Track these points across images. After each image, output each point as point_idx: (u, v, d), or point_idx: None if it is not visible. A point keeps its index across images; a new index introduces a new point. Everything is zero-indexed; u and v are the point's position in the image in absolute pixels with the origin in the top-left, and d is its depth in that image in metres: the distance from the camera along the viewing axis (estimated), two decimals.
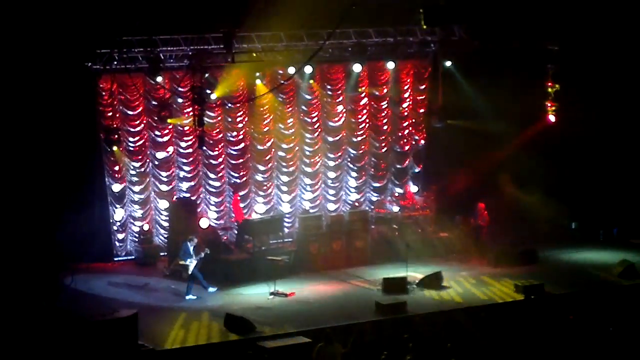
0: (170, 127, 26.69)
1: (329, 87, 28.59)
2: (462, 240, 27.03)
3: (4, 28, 22.33)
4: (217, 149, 27.56)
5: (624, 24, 26.66)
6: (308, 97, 28.50)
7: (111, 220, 26.63)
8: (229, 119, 27.67)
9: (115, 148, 25.48)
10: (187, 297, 22.74)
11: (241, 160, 27.98)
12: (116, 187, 26.64)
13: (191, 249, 22.89)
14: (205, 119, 25.25)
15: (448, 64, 28.17)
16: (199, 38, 24.82)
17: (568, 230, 28.87)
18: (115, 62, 24.49)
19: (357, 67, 27.72)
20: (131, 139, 26.57)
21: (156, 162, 27.11)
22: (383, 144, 29.72)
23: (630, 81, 27.30)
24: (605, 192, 27.85)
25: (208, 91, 25.33)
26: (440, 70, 28.70)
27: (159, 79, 25.22)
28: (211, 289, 23.07)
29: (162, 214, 27.21)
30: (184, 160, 27.35)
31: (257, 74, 26.61)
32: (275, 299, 22.50)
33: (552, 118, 28.75)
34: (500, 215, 27.01)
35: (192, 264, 22.79)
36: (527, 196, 27.41)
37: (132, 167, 26.80)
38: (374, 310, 21.33)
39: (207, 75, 25.15)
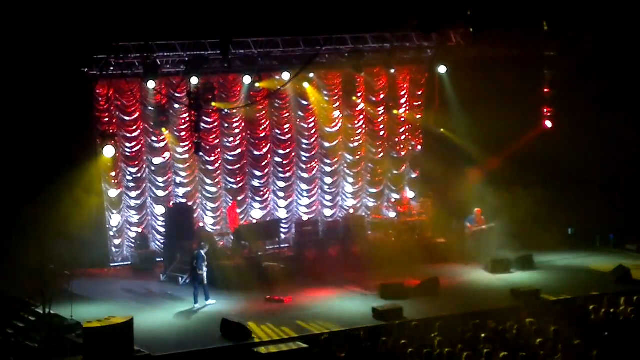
0: (167, 132, 26.65)
1: (325, 92, 28.61)
2: (459, 246, 27.02)
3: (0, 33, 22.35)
4: (213, 154, 27.57)
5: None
6: (304, 102, 28.52)
7: (107, 226, 26.60)
8: (226, 125, 27.68)
9: (110, 153, 25.11)
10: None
11: (238, 166, 27.99)
12: (112, 193, 26.63)
13: (204, 257, 22.73)
14: (202, 124, 25.25)
15: (444, 69, 28.20)
16: (195, 43, 24.82)
17: (564, 236, 28.84)
18: (112, 68, 24.47)
19: (359, 73, 27.88)
20: (128, 145, 26.56)
21: (153, 168, 27.11)
22: (380, 150, 29.73)
23: (627, 86, 27.28)
24: (602, 197, 27.84)
25: (209, 97, 25.23)
26: (437, 76, 28.74)
27: (151, 84, 24.97)
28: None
29: (158, 220, 27.20)
30: (181, 166, 27.35)
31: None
32: (271, 305, 22.45)
33: (548, 124, 28.78)
34: (498, 221, 26.95)
35: (205, 272, 22.66)
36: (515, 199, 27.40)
37: (128, 173, 26.79)
38: (371, 316, 21.31)
39: (199, 81, 25.02)
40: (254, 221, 27.94)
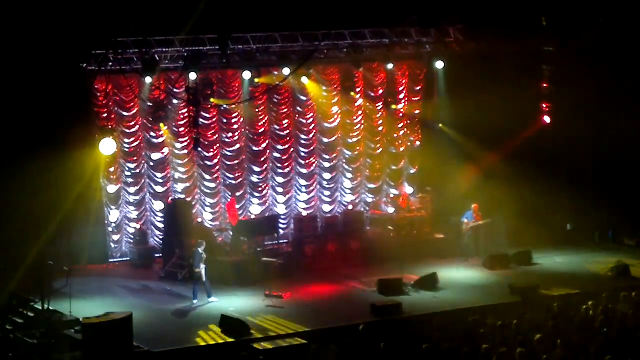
0: (165, 128, 26.61)
1: (323, 88, 28.56)
2: (457, 241, 27.06)
3: None
4: (212, 150, 27.54)
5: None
6: (303, 98, 28.50)
7: (106, 222, 26.59)
8: (224, 120, 27.65)
9: (110, 149, 24.81)
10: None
11: (236, 162, 27.96)
12: (111, 188, 26.60)
13: (202, 254, 22.73)
14: (200, 119, 25.20)
15: (441, 64, 28.17)
16: (194, 39, 24.78)
17: (563, 231, 28.87)
18: (110, 63, 24.42)
19: (357, 69, 27.81)
20: (126, 140, 26.52)
21: (151, 163, 27.07)
22: (378, 145, 29.71)
23: (625, 81, 27.29)
24: (600, 193, 27.86)
25: (208, 92, 25.17)
26: (435, 72, 28.72)
27: (148, 79, 24.96)
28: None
29: (157, 215, 27.18)
30: (179, 162, 27.31)
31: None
32: (270, 300, 22.46)
33: (547, 119, 28.79)
34: (496, 216, 26.98)
35: (203, 269, 22.64)
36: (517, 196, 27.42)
37: (127, 168, 26.76)
38: (369, 311, 21.32)
39: (197, 76, 24.94)
40: (253, 216, 27.93)
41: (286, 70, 26.33)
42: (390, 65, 28.36)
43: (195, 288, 22.56)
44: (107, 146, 23.84)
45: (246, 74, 26.43)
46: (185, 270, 23.98)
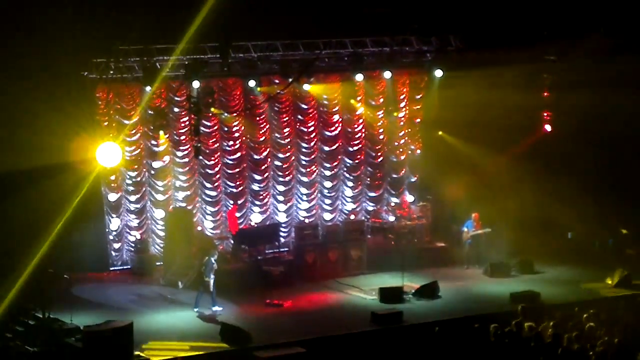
0: (167, 136, 26.64)
1: (325, 96, 28.58)
2: (458, 250, 27.07)
3: None
4: (213, 158, 27.54)
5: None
6: (304, 106, 28.52)
7: (107, 230, 26.59)
8: (225, 129, 27.66)
9: (114, 161, 24.64)
10: (214, 309, 22.48)
11: (237, 170, 27.97)
12: (112, 197, 26.61)
13: (214, 263, 22.70)
14: (201, 128, 25.19)
15: (440, 73, 28.15)
16: (195, 47, 24.78)
17: (564, 240, 28.84)
18: (112, 72, 24.45)
19: (358, 77, 27.78)
20: (127, 149, 26.53)
21: (152, 172, 27.08)
22: (379, 154, 29.72)
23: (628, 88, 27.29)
24: (601, 202, 27.83)
25: (209, 101, 25.17)
26: (436, 80, 28.72)
27: (149, 88, 24.99)
28: (217, 308, 22.73)
29: (158, 224, 27.18)
30: (180, 170, 27.32)
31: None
32: (271, 309, 22.44)
33: (548, 127, 28.80)
34: (497, 225, 26.98)
35: (212, 279, 22.61)
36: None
37: (128, 177, 26.78)
38: (370, 320, 21.31)
39: (199, 85, 24.98)
40: (254, 225, 27.93)
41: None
42: (391, 74, 28.34)
43: (199, 297, 22.54)
44: (112, 155, 23.58)
45: (251, 83, 26.43)
46: (187, 278, 23.97)
